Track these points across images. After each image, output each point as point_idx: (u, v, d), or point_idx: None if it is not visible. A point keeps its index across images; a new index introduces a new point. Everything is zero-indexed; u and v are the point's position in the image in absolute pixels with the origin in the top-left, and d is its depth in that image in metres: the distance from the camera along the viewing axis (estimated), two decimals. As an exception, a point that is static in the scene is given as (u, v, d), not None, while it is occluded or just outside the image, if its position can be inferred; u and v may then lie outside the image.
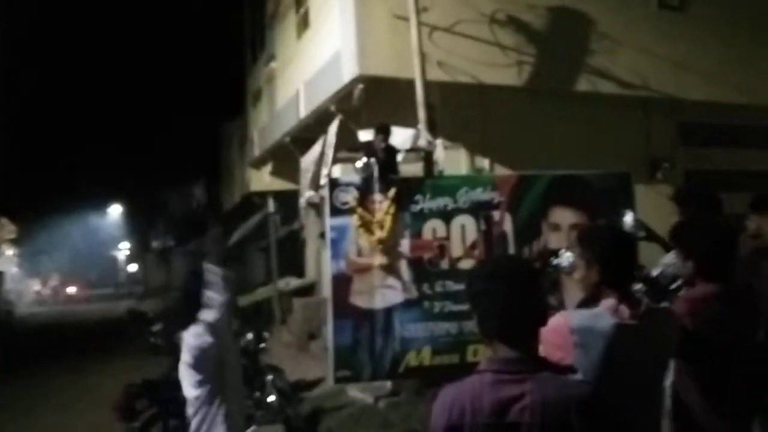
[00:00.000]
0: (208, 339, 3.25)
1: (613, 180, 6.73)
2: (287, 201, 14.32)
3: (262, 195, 16.20)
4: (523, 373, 1.75)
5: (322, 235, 8.57)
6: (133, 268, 55.16)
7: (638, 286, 3.30)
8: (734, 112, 10.49)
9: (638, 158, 9.93)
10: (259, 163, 15.10)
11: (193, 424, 3.35)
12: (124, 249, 58.12)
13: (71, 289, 49.70)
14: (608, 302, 2.28)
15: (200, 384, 3.29)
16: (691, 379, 2.53)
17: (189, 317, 3.36)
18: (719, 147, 10.87)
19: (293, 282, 14.27)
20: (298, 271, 14.95)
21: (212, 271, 3.32)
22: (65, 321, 24.42)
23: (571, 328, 1.96)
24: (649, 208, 7.23)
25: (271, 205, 15.90)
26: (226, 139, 20.40)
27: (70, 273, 53.67)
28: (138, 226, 46.94)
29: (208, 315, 3.31)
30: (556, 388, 1.74)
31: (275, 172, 14.48)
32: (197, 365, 3.27)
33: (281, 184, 14.59)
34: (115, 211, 53.08)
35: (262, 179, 15.31)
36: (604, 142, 9.24)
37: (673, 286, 3.13)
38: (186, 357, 3.29)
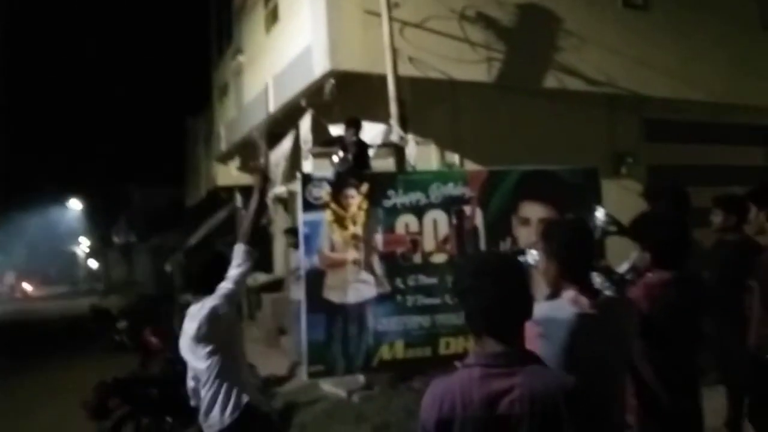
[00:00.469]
0: (225, 308, 3.35)
1: (580, 175, 6.87)
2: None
3: (229, 190, 16.06)
4: (511, 367, 1.80)
5: (289, 232, 8.54)
6: (93, 264, 54.02)
7: (597, 278, 3.42)
8: (696, 109, 10.80)
9: (603, 153, 10.13)
10: (225, 158, 14.94)
11: (206, 393, 3.39)
12: (83, 245, 56.86)
13: (27, 286, 48.35)
14: (568, 294, 2.39)
15: (212, 354, 3.35)
16: (647, 358, 2.69)
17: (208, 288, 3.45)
18: (681, 143, 11.16)
19: (261, 277, 14.17)
20: (266, 266, 14.86)
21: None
22: (24, 319, 23.80)
23: (534, 319, 2.02)
24: (614, 202, 7.35)
25: (238, 200, 15.79)
26: (191, 134, 20.10)
27: (27, 269, 52.20)
28: (99, 222, 45.94)
29: (226, 286, 3.40)
30: (544, 380, 1.79)
31: (243, 167, 14.34)
32: (210, 335, 3.34)
33: (248, 179, 14.43)
34: (75, 205, 51.77)
35: (229, 174, 15.16)
36: (570, 138, 9.41)
37: (627, 276, 3.26)
38: (194, 329, 3.34)
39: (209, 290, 3.46)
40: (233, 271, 3.44)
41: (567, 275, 2.43)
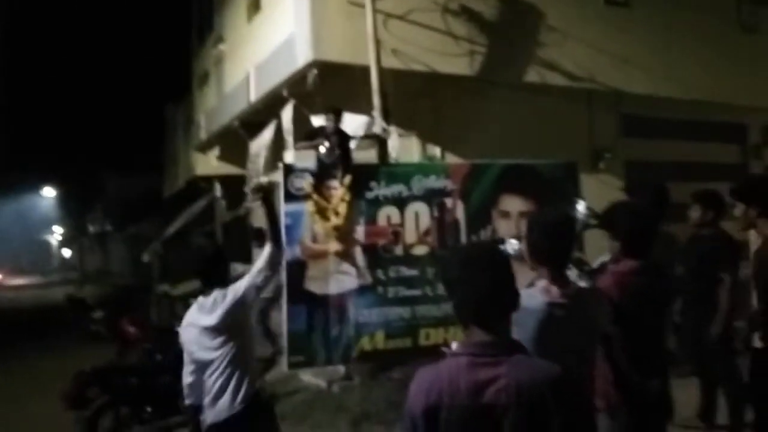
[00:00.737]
0: (251, 297, 3.47)
1: (560, 169, 6.96)
2: (234, 186, 14.11)
3: (208, 179, 15.91)
4: (498, 356, 1.82)
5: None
6: (67, 253, 53.24)
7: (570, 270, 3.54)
8: (673, 106, 10.94)
9: (582, 148, 10.24)
10: (205, 147, 14.80)
11: (215, 381, 3.43)
12: (57, 233, 56.01)
13: None
14: (541, 283, 2.49)
15: (226, 342, 3.43)
16: (618, 342, 2.79)
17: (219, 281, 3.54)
18: (658, 139, 11.32)
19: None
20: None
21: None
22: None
23: None
24: (592, 197, 7.39)
25: (217, 190, 15.66)
26: (170, 122, 19.85)
27: (-2, 258, 51.22)
28: (73, 210, 45.21)
29: (255, 279, 3.49)
30: (530, 370, 1.81)
31: (222, 157, 14.24)
32: (231, 323, 3.42)
33: (228, 169, 14.35)
34: (49, 193, 50.86)
35: (209, 163, 15.02)
36: (550, 133, 9.49)
37: (597, 266, 3.38)
38: (217, 318, 3.41)
39: (218, 283, 3.51)
40: (261, 270, 3.50)
41: (543, 265, 2.53)
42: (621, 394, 2.81)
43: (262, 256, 3.54)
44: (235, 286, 3.46)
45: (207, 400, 3.47)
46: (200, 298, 3.53)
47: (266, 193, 3.81)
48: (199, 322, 3.47)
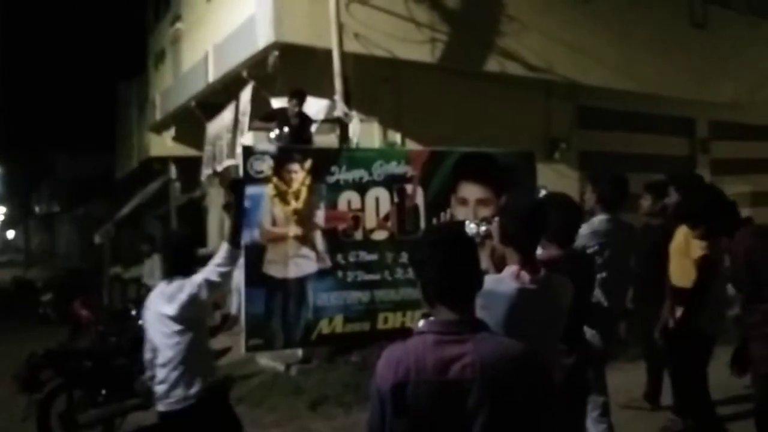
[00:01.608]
0: (205, 295, 3.46)
1: (518, 158, 7.04)
2: (189, 168, 13.87)
3: (163, 161, 15.59)
4: (463, 334, 1.87)
5: (227, 207, 8.42)
6: (10, 234, 51.45)
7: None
8: (627, 99, 11.25)
9: (538, 138, 10.46)
10: (160, 127, 14.46)
11: (171, 371, 3.45)
12: (0, 214, 54.02)
13: None
14: (511, 268, 2.55)
15: (182, 333, 3.44)
16: None
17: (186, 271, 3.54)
18: (612, 131, 11.64)
19: (200, 251, 13.89)
20: (200, 240, 14.59)
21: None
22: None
23: None
24: (547, 186, 7.67)
25: (172, 172, 15.37)
26: (123, 100, 19.28)
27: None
28: (18, 189, 43.54)
29: (211, 276, 3.49)
30: (495, 347, 1.88)
31: (178, 138, 13.94)
32: (186, 317, 3.44)
33: (184, 150, 14.08)
34: (-9, 171, 48.87)
35: (164, 144, 14.69)
36: (508, 121, 9.65)
37: None
38: (174, 309, 3.42)
39: (183, 271, 3.51)
40: (218, 268, 3.50)
41: (514, 249, 2.59)
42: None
43: (219, 253, 3.54)
44: (192, 280, 3.46)
45: (160, 389, 3.48)
46: (163, 284, 3.54)
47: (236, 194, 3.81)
48: (158, 307, 3.50)
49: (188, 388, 3.44)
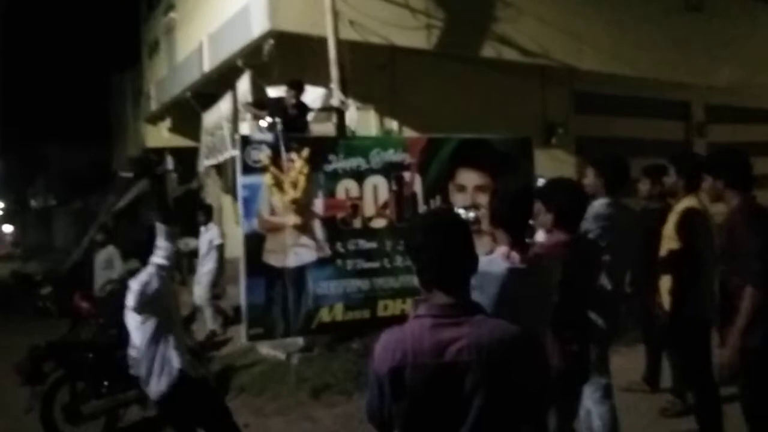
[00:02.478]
0: (154, 285, 3.44)
1: (515, 144, 7.08)
2: (186, 158, 13.82)
3: (159, 152, 15.53)
4: (459, 317, 1.90)
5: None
6: (7, 228, 51.30)
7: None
8: (622, 83, 11.24)
9: (535, 123, 10.46)
10: (156, 119, 14.43)
11: (143, 361, 3.55)
12: (-3, 207, 53.81)
13: None
14: (501, 249, 2.62)
15: (144, 322, 3.52)
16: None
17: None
18: (608, 115, 11.63)
19: (192, 243, 13.89)
20: (197, 231, 14.56)
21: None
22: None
23: None
24: (545, 171, 7.63)
25: (169, 163, 15.30)
26: (118, 92, 19.20)
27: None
28: (14, 183, 43.38)
29: (158, 255, 3.49)
30: (491, 329, 1.90)
31: (174, 128, 13.91)
32: (141, 308, 3.50)
33: (180, 141, 14.06)
34: (-13, 166, 48.61)
35: (160, 135, 14.66)
36: (504, 107, 9.64)
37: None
38: (130, 301, 3.50)
39: (143, 262, 3.56)
40: (158, 251, 3.50)
41: (504, 230, 2.66)
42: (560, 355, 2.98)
43: (159, 242, 3.53)
44: (143, 271, 3.51)
45: (142, 378, 3.59)
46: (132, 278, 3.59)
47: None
48: (127, 300, 3.56)
49: (159, 379, 3.51)
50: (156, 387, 3.53)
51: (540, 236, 3.52)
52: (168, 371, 3.50)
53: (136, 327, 3.54)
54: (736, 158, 3.49)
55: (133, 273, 3.57)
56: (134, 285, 3.47)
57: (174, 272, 3.88)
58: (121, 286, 8.63)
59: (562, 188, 3.25)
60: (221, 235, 8.58)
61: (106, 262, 9.13)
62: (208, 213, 8.81)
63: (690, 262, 3.83)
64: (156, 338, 3.49)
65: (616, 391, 3.85)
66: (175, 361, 3.52)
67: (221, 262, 8.41)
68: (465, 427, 1.85)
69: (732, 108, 13.64)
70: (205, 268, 8.25)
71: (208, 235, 8.27)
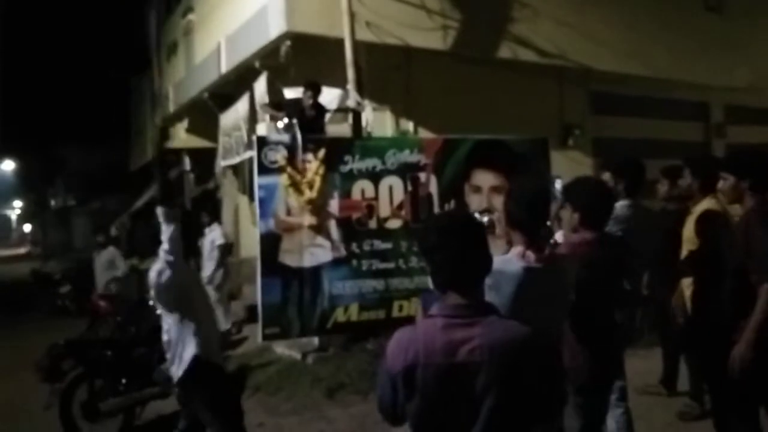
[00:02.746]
0: (165, 276, 3.54)
1: (531, 145, 7.06)
2: (203, 159, 13.93)
3: (177, 152, 15.68)
4: (472, 318, 1.90)
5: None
6: (27, 227, 51.96)
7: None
8: (640, 84, 11.15)
9: (552, 124, 10.39)
10: (174, 119, 14.55)
11: (169, 352, 3.69)
12: (17, 208, 54.60)
13: None
14: (517, 249, 2.61)
15: (168, 311, 3.66)
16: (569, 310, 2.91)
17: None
18: (626, 117, 11.54)
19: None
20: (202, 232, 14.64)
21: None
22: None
23: None
24: (562, 172, 7.62)
25: (186, 163, 15.45)
26: (136, 93, 19.39)
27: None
28: (34, 184, 43.95)
29: (168, 255, 3.56)
30: (503, 330, 1.90)
31: (191, 129, 14.02)
32: (159, 298, 3.66)
33: (197, 142, 14.14)
34: (7, 166, 49.28)
35: (177, 136, 14.80)
36: (521, 108, 9.59)
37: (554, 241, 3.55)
38: (151, 292, 3.69)
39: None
40: (163, 236, 3.56)
41: (519, 231, 2.66)
42: (574, 359, 2.95)
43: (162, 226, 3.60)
44: (155, 265, 3.60)
45: (169, 362, 3.71)
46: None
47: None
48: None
49: (178, 365, 3.62)
50: (176, 371, 3.64)
51: (559, 236, 3.52)
52: (184, 358, 3.60)
53: (164, 313, 3.67)
54: (761, 159, 3.46)
55: (135, 270, 3.70)
56: (151, 275, 3.58)
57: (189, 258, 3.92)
58: (128, 283, 8.80)
59: (589, 187, 3.25)
60: (225, 236, 8.61)
61: (109, 262, 9.22)
62: (212, 213, 8.85)
63: (711, 265, 3.79)
64: (179, 324, 3.59)
65: (632, 394, 3.84)
66: (191, 346, 3.60)
67: (224, 262, 8.43)
68: (476, 427, 1.85)
69: (751, 109, 13.47)
70: (207, 269, 8.27)
71: (211, 236, 8.31)
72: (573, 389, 2.93)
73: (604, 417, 3.30)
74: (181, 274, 3.59)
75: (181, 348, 3.59)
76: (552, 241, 3.48)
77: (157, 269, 3.52)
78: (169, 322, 3.63)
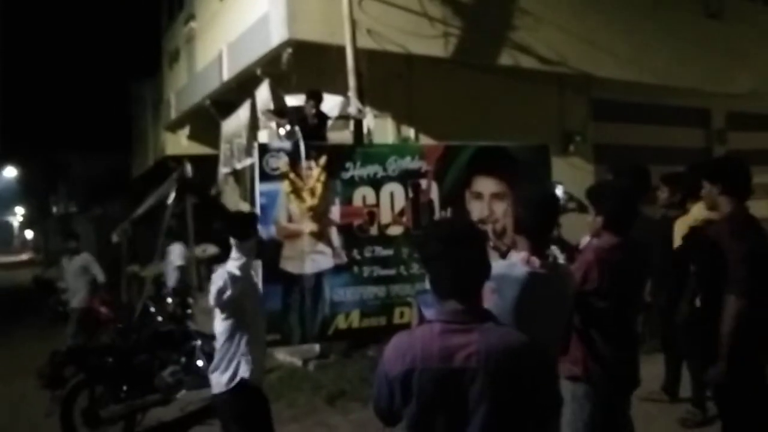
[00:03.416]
0: (230, 290, 3.50)
1: (533, 152, 7.06)
2: (205, 166, 13.95)
3: (178, 159, 15.69)
4: (469, 324, 1.91)
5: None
6: (29, 234, 52.04)
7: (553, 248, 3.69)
8: (641, 91, 11.17)
9: (553, 131, 10.41)
10: (175, 126, 14.59)
11: (217, 354, 3.65)
12: (19, 214, 54.70)
13: None
14: (521, 254, 2.61)
15: (224, 320, 3.60)
16: (594, 314, 2.96)
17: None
18: (627, 123, 11.56)
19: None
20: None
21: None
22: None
23: None
24: (563, 179, 7.64)
25: (188, 170, 15.45)
26: (138, 100, 19.45)
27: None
28: (36, 190, 44.01)
29: (231, 265, 3.57)
30: (500, 337, 1.91)
31: (193, 136, 14.06)
32: (219, 306, 3.58)
33: (199, 149, 14.19)
34: (10, 173, 49.39)
35: (179, 143, 14.82)
36: (522, 115, 9.62)
37: (581, 246, 3.52)
38: (210, 298, 3.60)
39: (222, 260, 3.66)
40: (231, 261, 3.56)
41: (526, 237, 2.66)
42: (597, 363, 2.96)
43: (234, 254, 3.61)
44: (218, 272, 3.55)
45: (212, 366, 3.66)
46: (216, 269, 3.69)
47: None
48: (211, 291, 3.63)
49: (222, 375, 3.56)
50: (216, 380, 3.59)
51: (583, 241, 3.52)
52: (233, 374, 3.54)
53: (217, 319, 3.63)
54: (735, 166, 3.44)
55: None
56: (212, 286, 3.56)
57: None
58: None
59: (613, 191, 3.24)
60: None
61: (82, 268, 8.83)
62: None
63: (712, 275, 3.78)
64: (230, 336, 3.56)
65: (634, 401, 3.81)
66: (242, 369, 3.55)
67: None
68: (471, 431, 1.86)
69: (752, 115, 13.48)
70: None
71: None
72: (591, 397, 2.93)
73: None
74: (243, 290, 3.56)
75: (227, 362, 3.55)
76: (575, 245, 3.48)
77: (218, 285, 3.47)
78: (220, 330, 3.59)
